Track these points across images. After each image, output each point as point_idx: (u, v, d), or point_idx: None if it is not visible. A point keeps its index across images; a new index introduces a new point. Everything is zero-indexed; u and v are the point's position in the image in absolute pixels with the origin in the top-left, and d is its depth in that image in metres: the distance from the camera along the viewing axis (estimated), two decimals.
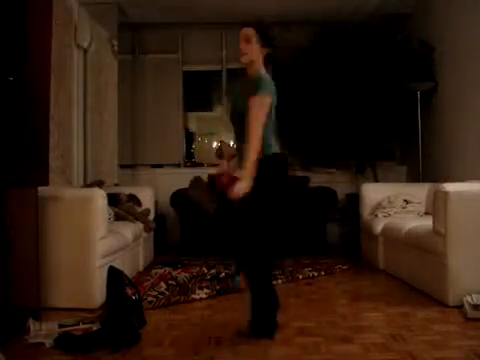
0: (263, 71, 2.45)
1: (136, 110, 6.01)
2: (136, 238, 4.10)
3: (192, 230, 5.06)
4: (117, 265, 3.00)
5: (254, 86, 2.36)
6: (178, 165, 6.13)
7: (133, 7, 5.44)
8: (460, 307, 2.76)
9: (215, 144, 6.96)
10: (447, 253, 2.89)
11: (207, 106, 6.95)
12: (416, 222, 3.65)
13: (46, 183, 2.84)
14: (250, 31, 2.42)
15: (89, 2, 4.82)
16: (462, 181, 3.52)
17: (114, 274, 2.76)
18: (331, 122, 5.14)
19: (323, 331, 2.50)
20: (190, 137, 6.70)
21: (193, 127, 6.99)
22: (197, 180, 5.23)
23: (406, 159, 5.84)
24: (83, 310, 2.89)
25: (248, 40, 2.42)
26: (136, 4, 5.37)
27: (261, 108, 2.32)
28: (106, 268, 2.86)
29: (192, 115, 6.92)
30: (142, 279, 3.83)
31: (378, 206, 4.52)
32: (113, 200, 4.15)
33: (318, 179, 5.59)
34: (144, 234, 4.43)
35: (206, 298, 3.27)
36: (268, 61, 2.50)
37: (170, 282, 3.65)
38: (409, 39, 5.10)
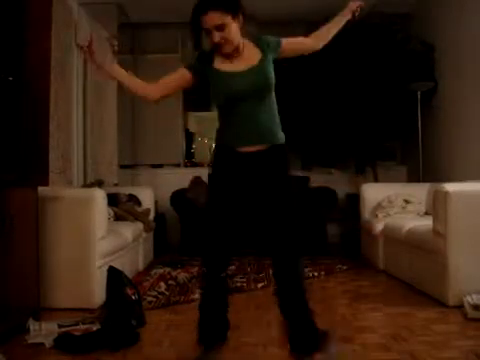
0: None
1: (136, 110, 6.00)
2: (136, 238, 4.09)
3: (192, 230, 5.05)
4: (117, 265, 3.00)
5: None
6: (178, 165, 6.13)
7: (133, 7, 5.45)
8: (460, 307, 2.76)
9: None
10: (447, 253, 2.89)
11: (207, 106, 6.94)
12: (416, 222, 3.64)
13: (46, 183, 2.83)
14: (218, 16, 1.83)
15: (89, 2, 4.82)
16: (462, 181, 3.53)
17: (114, 274, 2.76)
18: (331, 122, 5.14)
19: None
20: (190, 137, 6.69)
21: (193, 127, 6.98)
22: (197, 180, 5.24)
23: (406, 159, 5.84)
24: (83, 310, 2.88)
25: (220, 27, 1.85)
26: (136, 4, 5.38)
27: None
28: (106, 268, 2.86)
29: (192, 115, 6.91)
30: (142, 279, 3.83)
31: (378, 206, 4.51)
32: (113, 200, 4.15)
33: (318, 179, 5.58)
34: (144, 234, 4.42)
35: None
36: None
37: (170, 282, 3.65)
38: (409, 39, 5.10)
